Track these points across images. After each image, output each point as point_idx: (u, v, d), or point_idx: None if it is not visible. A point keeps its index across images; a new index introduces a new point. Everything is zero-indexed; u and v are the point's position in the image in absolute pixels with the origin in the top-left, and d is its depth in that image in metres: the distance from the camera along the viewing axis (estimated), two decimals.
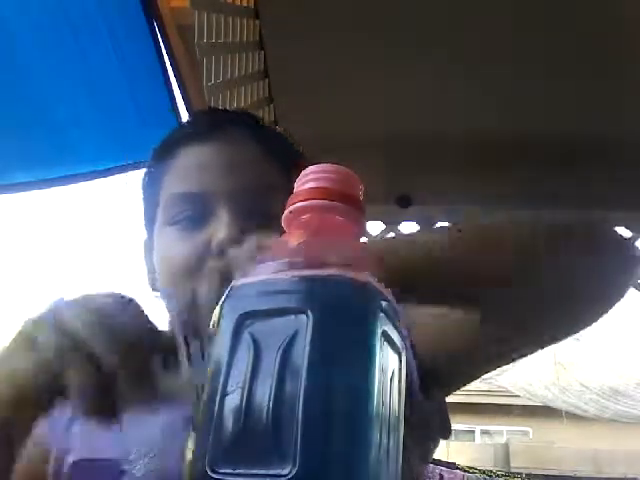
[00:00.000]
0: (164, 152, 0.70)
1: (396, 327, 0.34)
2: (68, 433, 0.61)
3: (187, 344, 0.62)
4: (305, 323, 0.30)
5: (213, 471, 0.29)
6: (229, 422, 0.30)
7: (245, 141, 0.64)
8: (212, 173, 0.63)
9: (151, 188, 0.70)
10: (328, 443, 0.28)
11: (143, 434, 0.59)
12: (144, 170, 0.76)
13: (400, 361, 0.35)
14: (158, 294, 0.69)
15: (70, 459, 0.59)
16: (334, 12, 1.55)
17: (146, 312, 0.52)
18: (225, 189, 0.61)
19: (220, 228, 0.59)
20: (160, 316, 0.67)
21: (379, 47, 1.64)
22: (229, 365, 0.31)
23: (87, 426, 0.59)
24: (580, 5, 1.48)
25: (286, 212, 0.38)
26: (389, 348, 0.33)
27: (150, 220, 0.69)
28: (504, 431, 10.94)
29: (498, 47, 1.62)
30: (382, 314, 0.33)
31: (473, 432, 10.75)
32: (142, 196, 0.73)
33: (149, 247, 0.71)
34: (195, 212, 0.63)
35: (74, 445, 0.60)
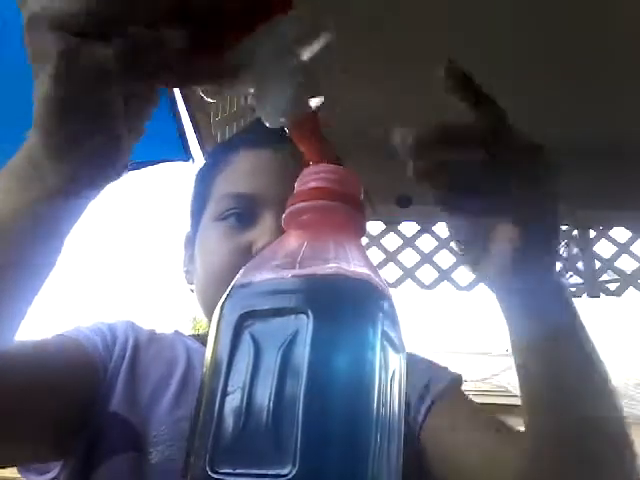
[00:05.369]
0: (224, 151, 0.72)
1: (396, 327, 0.34)
2: (114, 383, 0.62)
3: None
4: (305, 323, 0.30)
5: (213, 471, 0.29)
6: (229, 422, 0.30)
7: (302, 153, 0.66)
8: (266, 178, 0.65)
9: (204, 184, 0.71)
10: (328, 443, 0.28)
11: (166, 420, 0.60)
12: (200, 165, 0.78)
13: (400, 361, 0.35)
14: (193, 287, 0.71)
15: (109, 407, 0.60)
16: (334, 12, 1.55)
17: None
18: (275, 195, 0.62)
19: (264, 233, 0.61)
20: (193, 307, 0.70)
21: (379, 46, 1.64)
22: (229, 365, 0.31)
23: (128, 387, 0.62)
24: (581, 5, 1.48)
25: (286, 212, 0.38)
26: (389, 348, 0.33)
27: (197, 213, 0.71)
28: None
29: (499, 47, 1.62)
30: (382, 314, 0.33)
31: None
32: (193, 191, 0.74)
33: (191, 241, 0.73)
34: (243, 212, 0.64)
35: (116, 396, 0.61)
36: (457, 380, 0.69)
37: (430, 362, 0.73)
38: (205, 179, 0.72)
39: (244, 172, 0.67)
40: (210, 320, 0.66)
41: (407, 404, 0.64)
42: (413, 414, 0.64)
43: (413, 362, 0.73)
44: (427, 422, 0.63)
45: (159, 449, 0.58)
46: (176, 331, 0.75)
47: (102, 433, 0.59)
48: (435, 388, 0.66)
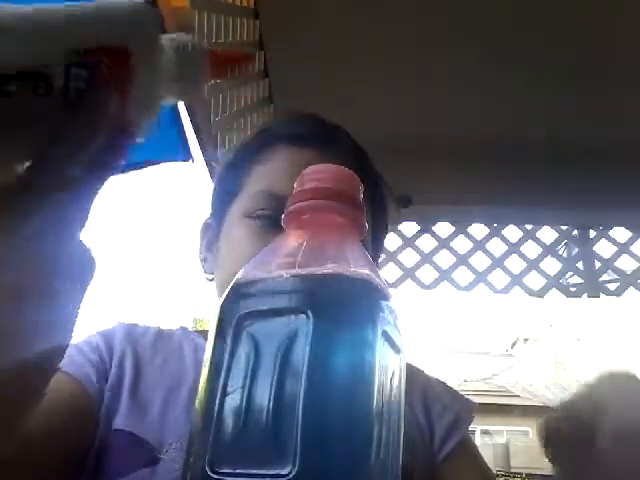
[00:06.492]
0: (261, 143, 0.70)
1: (396, 327, 0.34)
2: (117, 400, 0.61)
3: None
4: (305, 323, 0.30)
5: (213, 471, 0.29)
6: (229, 422, 0.30)
7: (344, 157, 0.62)
8: None
9: (236, 174, 0.69)
10: (328, 443, 0.28)
11: (181, 430, 0.58)
12: (233, 150, 0.76)
13: (400, 361, 0.35)
14: (211, 276, 0.70)
15: (113, 425, 0.59)
16: (334, 13, 1.55)
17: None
18: None
19: None
20: (210, 299, 0.69)
21: (379, 47, 1.64)
22: (229, 365, 0.31)
23: (135, 401, 0.61)
24: (581, 6, 1.48)
25: (286, 212, 0.38)
26: (389, 348, 0.33)
27: (224, 203, 0.69)
28: (504, 431, 10.93)
29: (498, 48, 1.62)
30: (382, 314, 0.33)
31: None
32: (222, 178, 0.72)
33: (211, 229, 0.71)
34: (277, 213, 0.62)
35: (121, 412, 0.60)
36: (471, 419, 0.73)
37: (448, 386, 0.77)
38: (238, 169, 0.69)
39: (282, 170, 0.65)
40: None
41: (431, 428, 0.68)
42: (437, 447, 0.67)
43: (429, 383, 0.73)
44: (445, 463, 0.66)
45: (179, 457, 0.56)
46: (182, 327, 0.73)
47: (108, 452, 0.57)
48: (459, 430, 0.69)
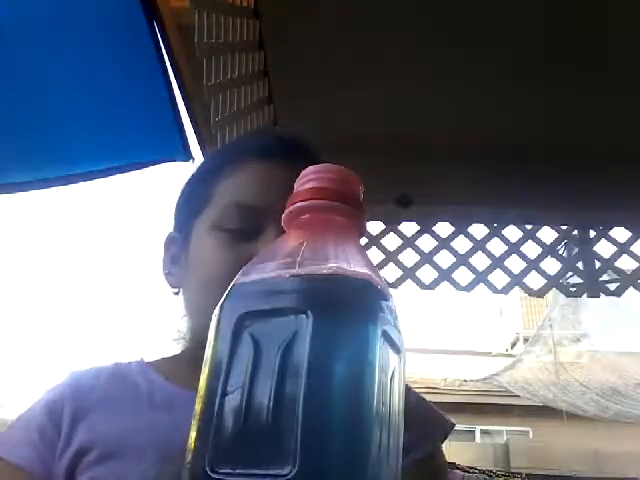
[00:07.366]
0: (229, 156, 0.70)
1: (396, 327, 0.34)
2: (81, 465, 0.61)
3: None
4: (305, 323, 0.30)
5: (213, 471, 0.29)
6: (229, 422, 0.30)
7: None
8: (274, 191, 0.63)
9: (203, 187, 0.69)
10: (328, 443, 0.28)
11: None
12: (197, 165, 0.77)
13: (400, 361, 0.35)
14: (176, 290, 0.70)
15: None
16: (334, 12, 1.55)
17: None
18: (280, 208, 0.60)
19: (267, 246, 0.59)
20: (174, 312, 0.69)
21: (379, 47, 1.64)
22: (229, 365, 0.31)
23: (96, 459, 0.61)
24: (581, 7, 1.48)
25: (286, 212, 0.38)
26: (389, 348, 0.33)
27: (189, 216, 0.69)
28: (504, 431, 10.93)
29: (498, 49, 1.62)
30: (382, 314, 0.33)
31: (473, 432, 10.74)
32: (187, 192, 0.73)
33: (176, 242, 0.71)
34: (247, 225, 0.63)
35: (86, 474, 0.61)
36: (442, 441, 0.68)
37: (430, 406, 0.71)
38: (205, 182, 0.70)
39: (252, 183, 0.66)
40: (197, 325, 0.65)
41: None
42: None
43: (411, 400, 0.68)
44: None
45: None
46: (139, 361, 0.73)
47: None
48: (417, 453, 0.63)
